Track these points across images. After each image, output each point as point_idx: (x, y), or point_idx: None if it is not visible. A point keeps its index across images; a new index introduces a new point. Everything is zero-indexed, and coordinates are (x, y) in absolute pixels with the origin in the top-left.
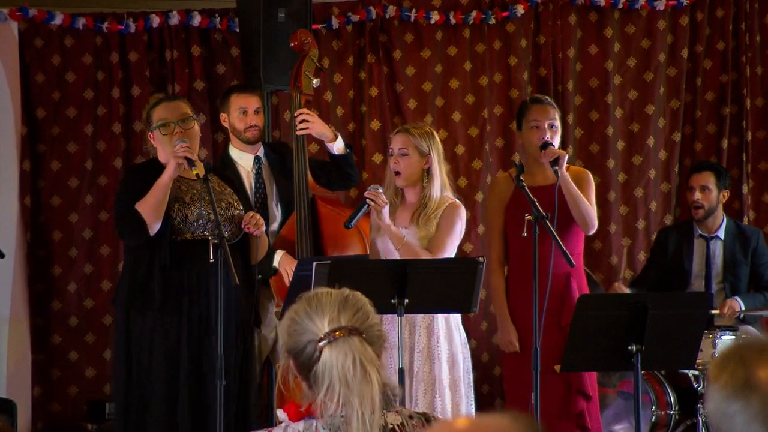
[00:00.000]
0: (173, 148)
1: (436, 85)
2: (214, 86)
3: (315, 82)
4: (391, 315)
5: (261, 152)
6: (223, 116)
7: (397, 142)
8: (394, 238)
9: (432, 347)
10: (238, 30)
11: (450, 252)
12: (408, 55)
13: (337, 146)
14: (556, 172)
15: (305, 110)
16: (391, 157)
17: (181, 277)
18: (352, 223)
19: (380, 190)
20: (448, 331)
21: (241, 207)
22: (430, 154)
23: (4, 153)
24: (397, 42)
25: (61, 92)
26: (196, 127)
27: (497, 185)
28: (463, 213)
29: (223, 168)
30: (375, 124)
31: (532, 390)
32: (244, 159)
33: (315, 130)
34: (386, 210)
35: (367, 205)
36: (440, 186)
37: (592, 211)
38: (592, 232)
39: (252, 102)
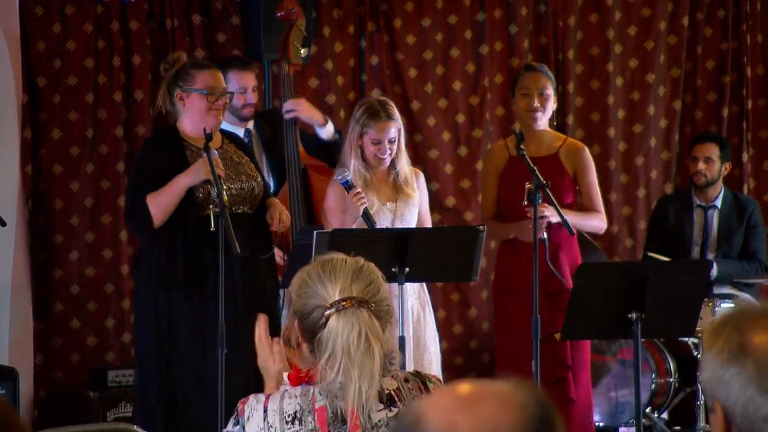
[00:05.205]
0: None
1: (436, 54)
2: (215, 55)
3: (303, 51)
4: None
5: (251, 124)
6: None
7: (387, 132)
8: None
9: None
10: None
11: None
12: (408, 24)
13: (327, 131)
14: (548, 225)
15: (293, 99)
16: (377, 145)
17: (204, 254)
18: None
19: (348, 175)
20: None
21: (260, 177)
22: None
23: (4, 121)
24: (397, 10)
25: (61, 60)
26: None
27: (492, 154)
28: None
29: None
30: (375, 93)
31: (521, 355)
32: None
33: (303, 114)
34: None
35: (365, 207)
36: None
37: (594, 222)
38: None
39: (250, 80)
